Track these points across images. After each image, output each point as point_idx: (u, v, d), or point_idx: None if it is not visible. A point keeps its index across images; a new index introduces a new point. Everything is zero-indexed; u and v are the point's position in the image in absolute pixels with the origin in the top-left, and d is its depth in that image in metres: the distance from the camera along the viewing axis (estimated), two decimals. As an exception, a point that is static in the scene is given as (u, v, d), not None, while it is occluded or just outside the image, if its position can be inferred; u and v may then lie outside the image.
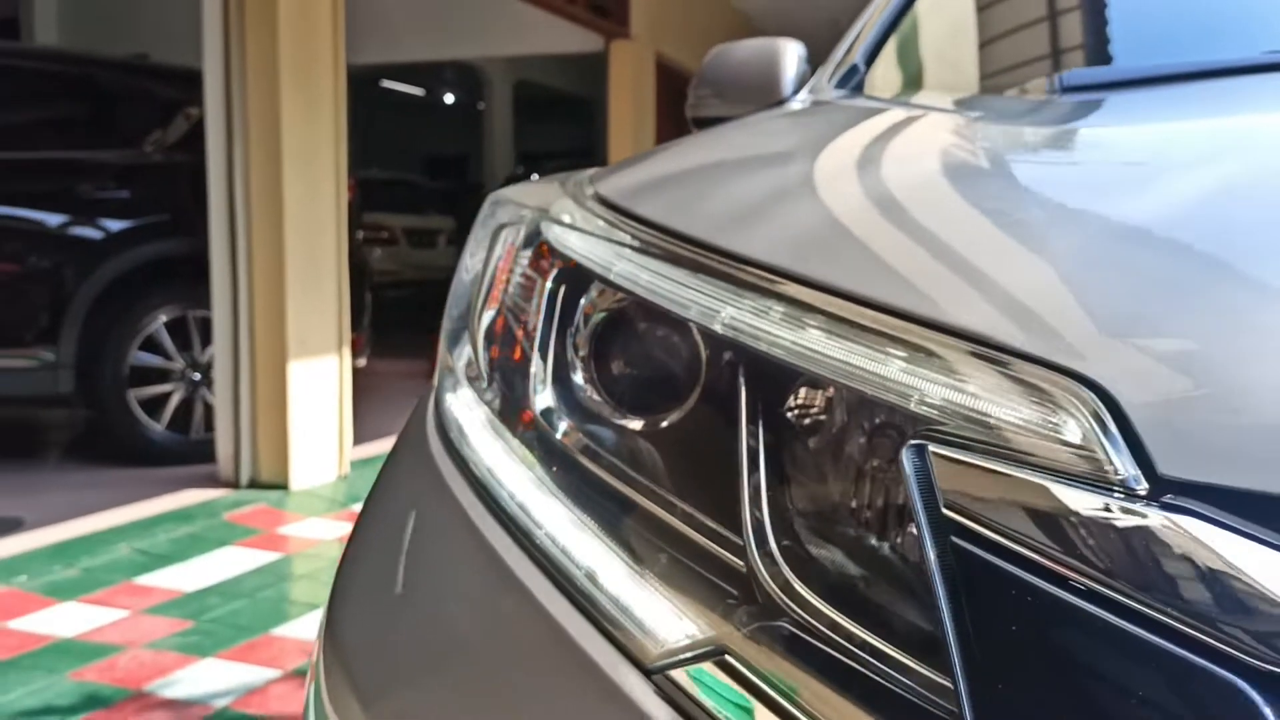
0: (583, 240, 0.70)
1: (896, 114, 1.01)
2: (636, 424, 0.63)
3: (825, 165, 0.75)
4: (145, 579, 3.13)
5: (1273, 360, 0.42)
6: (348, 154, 4.51)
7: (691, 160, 0.82)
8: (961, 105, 1.12)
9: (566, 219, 0.72)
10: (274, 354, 4.20)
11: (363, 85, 13.56)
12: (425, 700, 0.60)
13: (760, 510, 0.53)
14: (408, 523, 0.72)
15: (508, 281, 0.75)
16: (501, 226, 0.80)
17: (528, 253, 0.75)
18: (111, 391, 4.51)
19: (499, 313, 0.75)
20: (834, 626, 0.49)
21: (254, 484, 4.20)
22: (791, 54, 1.77)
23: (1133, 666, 0.38)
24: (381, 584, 0.70)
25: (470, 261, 0.82)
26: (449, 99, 18.01)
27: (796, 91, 1.63)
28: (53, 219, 4.49)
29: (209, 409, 4.51)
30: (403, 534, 0.72)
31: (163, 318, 4.60)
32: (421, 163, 17.61)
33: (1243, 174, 0.60)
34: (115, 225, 4.59)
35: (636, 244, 0.66)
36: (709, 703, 0.49)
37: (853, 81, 1.47)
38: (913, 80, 1.50)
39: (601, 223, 0.70)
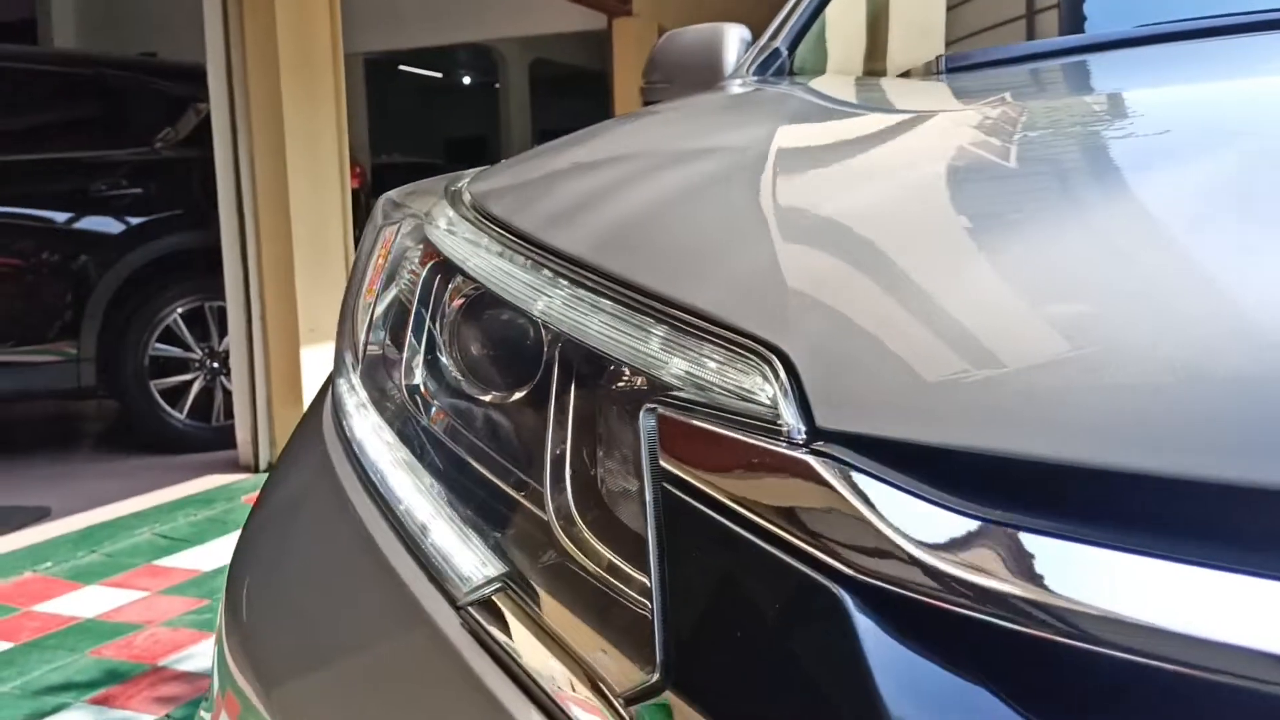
0: (449, 237, 0.78)
1: (764, 102, 1.08)
2: (489, 398, 0.72)
3: (656, 157, 0.83)
4: (165, 561, 3.26)
5: (916, 328, 0.50)
6: (367, 141, 4.62)
7: (551, 160, 0.91)
8: (830, 89, 1.20)
9: (440, 220, 0.81)
10: (287, 341, 4.32)
11: (379, 72, 13.65)
12: (298, 647, 0.69)
13: (563, 470, 0.61)
14: (297, 494, 0.82)
15: (388, 274, 0.85)
16: (384, 225, 0.89)
17: (407, 248, 0.84)
18: (133, 383, 4.66)
19: (374, 303, 0.84)
20: (611, 569, 0.57)
21: (272, 467, 4.34)
22: (733, 39, 1.83)
23: (780, 587, 0.46)
24: (271, 545, 0.79)
25: (360, 256, 0.91)
26: (466, 80, 18.09)
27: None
28: (69, 218, 4.63)
29: (228, 396, 4.65)
30: (293, 505, 0.82)
31: (179, 309, 4.74)
32: (441, 145, 17.71)
33: (966, 166, 0.68)
34: (130, 221, 4.72)
35: (488, 241, 0.74)
36: (496, 632, 0.58)
37: (773, 67, 1.53)
38: (834, 62, 1.56)
39: (465, 222, 0.78)
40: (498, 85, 15.55)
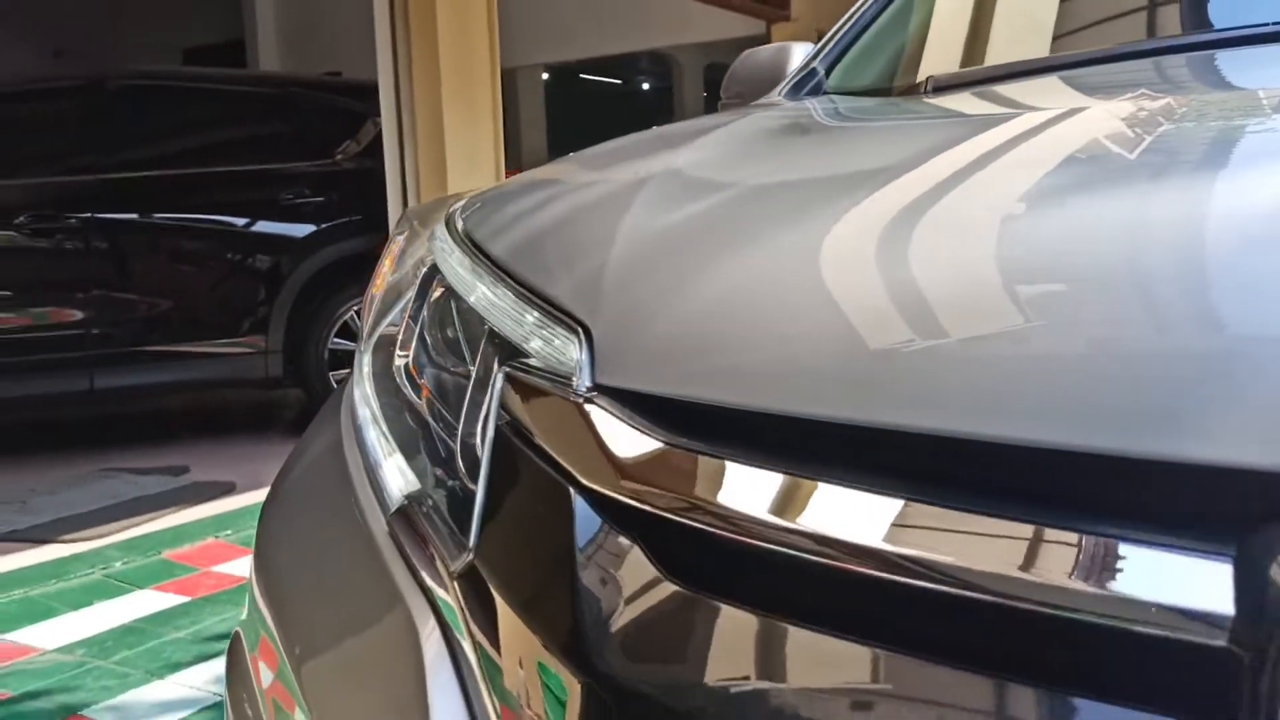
0: (436, 245, 1.00)
1: (734, 123, 1.25)
2: (447, 369, 0.94)
3: (592, 180, 1.02)
4: (326, 533, 3.64)
5: (679, 313, 0.67)
6: (546, 145, 4.96)
7: (518, 184, 1.11)
8: (810, 109, 1.36)
9: (437, 231, 1.03)
10: (445, 337, 4.68)
11: (559, 81, 14.18)
12: (292, 556, 0.93)
13: (470, 417, 0.82)
14: (311, 444, 1.06)
15: (391, 271, 1.07)
16: (395, 233, 1.12)
17: (409, 252, 1.06)
18: (315, 374, 5.15)
19: (382, 294, 1.07)
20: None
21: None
22: (798, 56, 1.99)
23: (544, 491, 0.65)
24: (288, 483, 1.03)
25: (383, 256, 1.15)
26: (645, 86, 18.50)
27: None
28: (260, 224, 5.15)
29: (394, 388, 5.05)
30: (305, 452, 1.06)
31: (355, 307, 5.18)
32: (621, 149, 18.09)
33: (809, 177, 0.85)
34: (313, 227, 5.20)
35: (456, 248, 0.96)
36: (401, 534, 0.80)
37: (807, 86, 1.70)
38: (865, 81, 1.72)
39: (445, 232, 1.00)
40: (672, 90, 15.89)
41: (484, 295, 0.85)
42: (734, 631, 0.55)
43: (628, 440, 0.62)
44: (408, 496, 0.82)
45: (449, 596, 0.71)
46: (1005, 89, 1.30)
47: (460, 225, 0.97)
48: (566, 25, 9.64)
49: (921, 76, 1.53)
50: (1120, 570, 0.45)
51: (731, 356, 0.62)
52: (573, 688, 0.59)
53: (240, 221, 5.14)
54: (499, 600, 0.66)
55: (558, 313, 0.74)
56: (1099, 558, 0.45)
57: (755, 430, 0.58)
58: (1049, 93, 1.20)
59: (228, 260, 5.14)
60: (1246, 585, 0.42)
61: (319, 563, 0.88)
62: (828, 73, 1.75)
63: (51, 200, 4.93)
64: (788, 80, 1.74)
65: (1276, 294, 0.50)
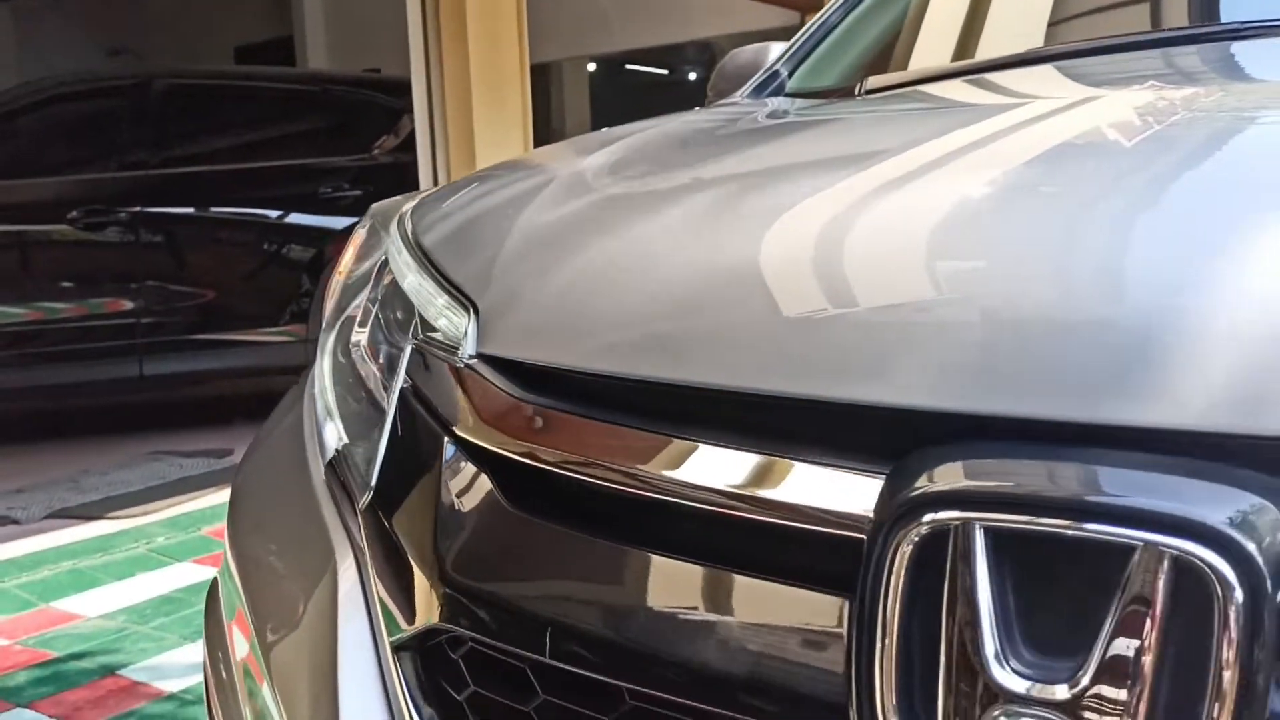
0: (390, 239, 1.15)
1: (674, 124, 1.36)
2: (391, 345, 1.07)
3: (521, 177, 1.15)
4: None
5: (548, 295, 0.80)
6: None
7: (459, 184, 1.24)
8: (754, 109, 1.48)
9: (390, 229, 1.18)
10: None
11: (606, 71, 14.32)
12: (256, 502, 1.07)
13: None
14: (282, 413, 1.21)
15: (356, 259, 1.22)
16: (357, 226, 1.26)
17: (368, 243, 1.20)
18: (352, 361, 5.34)
19: (344, 280, 1.21)
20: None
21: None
22: (774, 57, 2.11)
23: (428, 440, 0.78)
24: (258, 460, 1.17)
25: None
26: (691, 76, 18.58)
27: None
28: (301, 217, 5.35)
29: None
30: (276, 420, 1.21)
31: (390, 297, 5.37)
32: (667, 140, 18.20)
33: (705, 176, 0.97)
34: (352, 219, 5.39)
35: (400, 240, 1.10)
36: (332, 479, 0.94)
37: (770, 88, 1.82)
38: (822, 83, 1.83)
39: (396, 227, 1.14)
40: (719, 81, 15.94)
41: (413, 282, 0.99)
42: (556, 546, 0.68)
43: (491, 397, 0.76)
44: (338, 449, 0.97)
45: (356, 530, 0.86)
46: (926, 90, 1.42)
47: (407, 221, 1.11)
48: (610, 17, 9.79)
49: (871, 78, 1.64)
50: (788, 482, 0.58)
51: (573, 331, 0.76)
52: (438, 591, 0.73)
53: (281, 214, 5.35)
54: (389, 527, 0.80)
55: (459, 295, 0.88)
56: (778, 474, 0.58)
57: (587, 388, 0.72)
58: (954, 94, 1.32)
59: (269, 252, 5.35)
60: (883, 495, 0.55)
61: (276, 517, 1.03)
62: (793, 73, 1.87)
63: (104, 195, 5.17)
64: (752, 81, 1.86)
65: (946, 286, 0.62)
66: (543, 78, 11.56)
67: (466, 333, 0.83)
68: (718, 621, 0.60)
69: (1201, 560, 0.46)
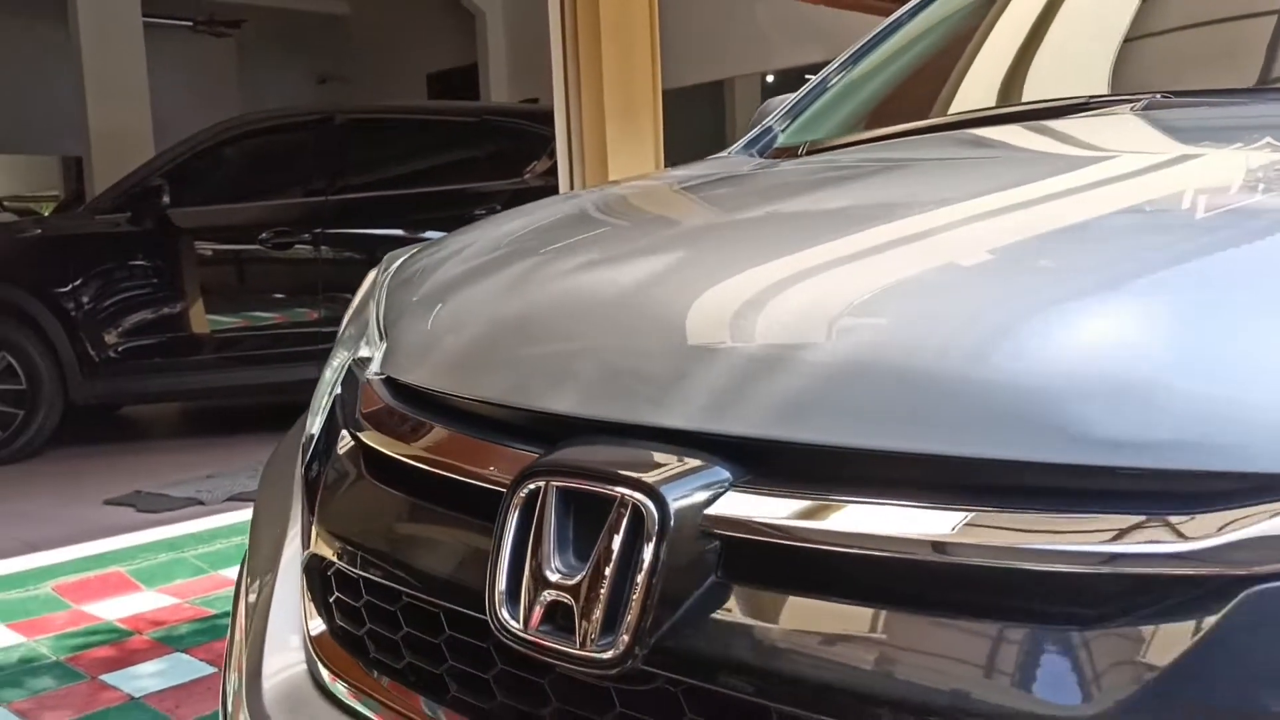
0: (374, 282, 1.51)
1: (643, 187, 1.67)
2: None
3: (484, 228, 1.48)
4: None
5: (437, 328, 1.12)
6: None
7: (442, 237, 1.59)
8: (716, 167, 1.78)
9: (373, 273, 1.54)
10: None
11: (781, 87, 14.58)
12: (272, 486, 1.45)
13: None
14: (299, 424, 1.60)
15: (365, 295, 1.59)
16: (375, 270, 1.63)
17: (378, 281, 1.57)
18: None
19: (355, 309, 1.59)
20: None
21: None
22: (775, 114, 2.38)
23: (339, 432, 1.14)
24: (280, 451, 1.55)
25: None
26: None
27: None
28: (459, 236, 5.88)
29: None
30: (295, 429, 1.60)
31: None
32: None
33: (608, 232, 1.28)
34: (505, 238, 5.89)
35: (374, 287, 1.46)
36: (300, 467, 1.31)
37: (760, 144, 2.10)
38: (803, 140, 2.10)
39: (379, 271, 1.51)
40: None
41: (368, 315, 1.36)
42: (392, 506, 1.03)
43: (374, 403, 1.12)
44: (309, 435, 1.34)
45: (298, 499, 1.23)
46: (853, 153, 1.69)
47: (391, 268, 1.48)
48: (771, 38, 10.11)
49: (840, 137, 1.92)
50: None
51: (428, 359, 1.10)
52: (319, 530, 1.09)
53: (444, 235, 5.90)
54: (306, 488, 1.17)
55: (381, 329, 1.24)
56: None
57: (433, 399, 1.06)
58: (876, 155, 1.58)
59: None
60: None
61: (275, 484, 1.40)
62: (788, 128, 2.14)
63: (290, 219, 5.84)
64: (744, 138, 2.15)
65: (582, 332, 0.94)
66: (717, 94, 11.91)
67: (375, 358, 1.19)
68: (462, 547, 0.93)
69: (640, 504, 0.77)
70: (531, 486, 0.83)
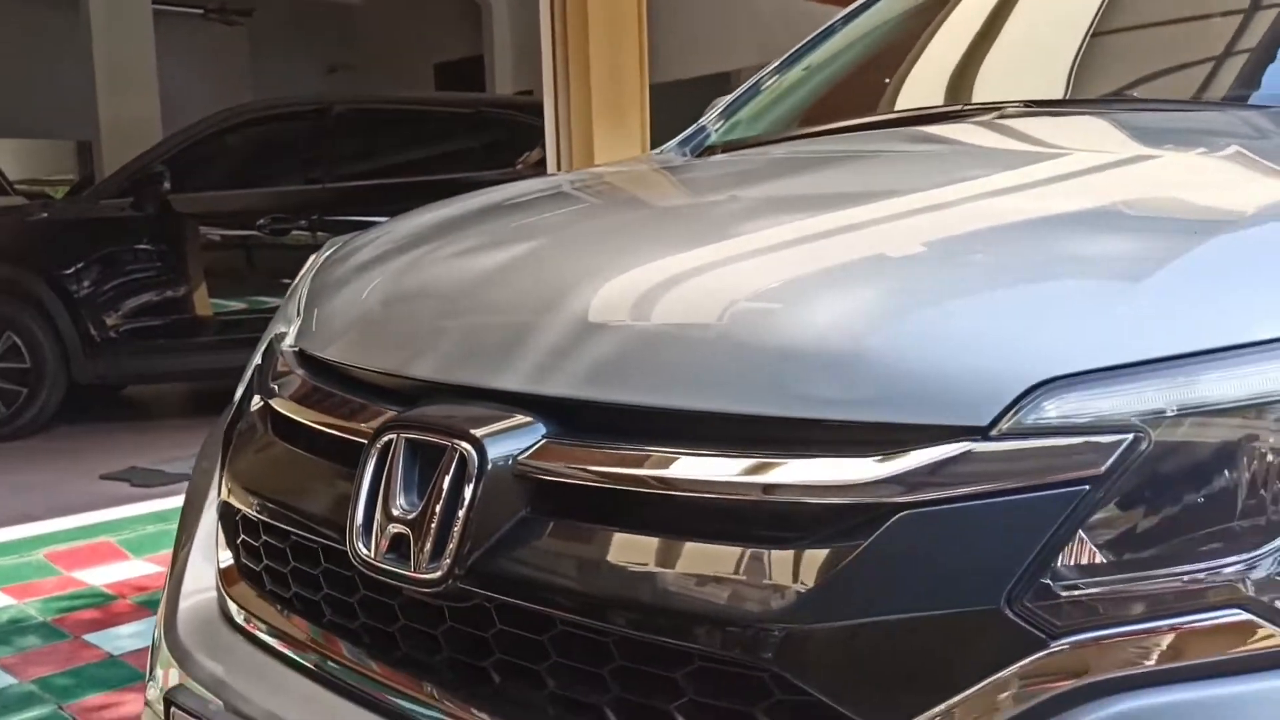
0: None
1: (565, 180, 1.81)
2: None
3: (412, 217, 1.63)
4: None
5: (345, 308, 1.27)
6: None
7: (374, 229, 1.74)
8: (639, 164, 1.92)
9: (311, 258, 1.69)
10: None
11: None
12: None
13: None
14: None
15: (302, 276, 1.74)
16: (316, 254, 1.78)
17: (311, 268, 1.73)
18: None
19: (292, 293, 1.74)
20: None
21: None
22: (710, 115, 2.51)
23: (254, 399, 1.29)
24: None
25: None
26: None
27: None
28: (452, 225, 6.04)
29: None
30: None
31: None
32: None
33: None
34: (497, 227, 6.04)
35: (306, 269, 1.61)
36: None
37: (693, 142, 2.24)
38: (729, 139, 2.24)
39: (313, 258, 1.66)
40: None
41: (295, 297, 1.51)
42: (299, 463, 1.18)
43: (281, 370, 1.27)
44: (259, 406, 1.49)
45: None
46: (756, 153, 1.83)
47: (324, 253, 1.64)
48: (774, 28, 10.24)
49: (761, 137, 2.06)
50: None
51: (332, 335, 1.25)
52: (238, 492, 1.24)
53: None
54: (226, 450, 1.33)
55: (298, 306, 1.40)
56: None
57: (326, 366, 1.21)
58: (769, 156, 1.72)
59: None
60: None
61: (208, 457, 1.56)
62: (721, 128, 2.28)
63: (289, 206, 6.00)
64: (680, 136, 2.29)
65: (455, 313, 1.09)
66: (723, 86, 11.98)
67: (290, 333, 1.34)
68: (336, 492, 1.08)
69: (466, 452, 0.91)
70: (386, 439, 0.98)
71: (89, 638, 2.91)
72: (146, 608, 3.12)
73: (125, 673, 2.68)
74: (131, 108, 8.97)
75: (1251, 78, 1.61)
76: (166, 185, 5.79)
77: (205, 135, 6.06)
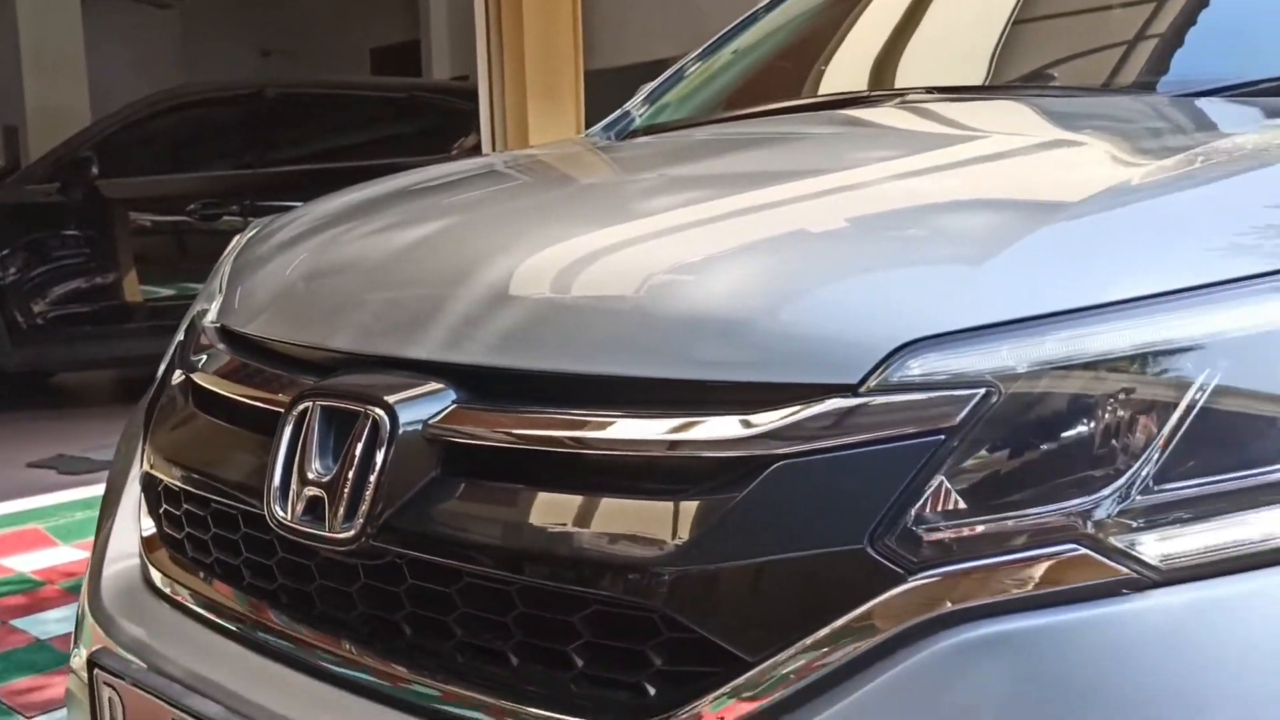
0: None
1: (497, 161, 1.85)
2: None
3: (338, 197, 1.66)
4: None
5: (265, 285, 1.31)
6: None
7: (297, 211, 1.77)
8: (561, 147, 1.97)
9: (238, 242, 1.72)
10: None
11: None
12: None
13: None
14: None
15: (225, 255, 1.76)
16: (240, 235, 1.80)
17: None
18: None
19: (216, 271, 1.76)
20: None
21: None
22: (635, 99, 2.56)
23: (174, 372, 1.32)
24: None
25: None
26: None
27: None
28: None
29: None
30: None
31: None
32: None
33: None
34: (432, 213, 6.04)
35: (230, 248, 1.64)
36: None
37: (618, 126, 2.28)
38: (650, 124, 2.29)
39: (238, 237, 1.68)
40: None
41: (218, 275, 1.53)
42: (219, 433, 1.21)
43: (203, 345, 1.30)
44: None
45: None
46: (668, 137, 1.88)
47: (248, 232, 1.66)
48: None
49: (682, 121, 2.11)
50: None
51: (252, 310, 1.28)
52: (160, 462, 1.27)
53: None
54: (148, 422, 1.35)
55: (223, 284, 1.42)
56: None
57: (246, 340, 1.25)
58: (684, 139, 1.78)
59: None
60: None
61: (132, 433, 1.58)
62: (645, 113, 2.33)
63: (219, 191, 5.95)
64: (605, 120, 2.34)
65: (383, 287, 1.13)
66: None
67: (212, 309, 1.37)
68: (255, 460, 1.12)
69: (378, 417, 0.96)
70: (302, 406, 1.02)
71: (16, 623, 2.90)
72: (74, 593, 3.11)
73: (52, 656, 2.67)
74: (59, 92, 8.80)
75: (1158, 66, 1.69)
76: (95, 170, 5.72)
77: (135, 120, 5.98)
